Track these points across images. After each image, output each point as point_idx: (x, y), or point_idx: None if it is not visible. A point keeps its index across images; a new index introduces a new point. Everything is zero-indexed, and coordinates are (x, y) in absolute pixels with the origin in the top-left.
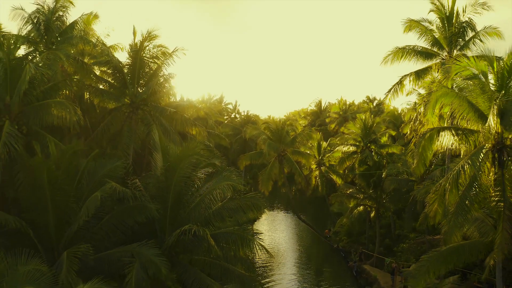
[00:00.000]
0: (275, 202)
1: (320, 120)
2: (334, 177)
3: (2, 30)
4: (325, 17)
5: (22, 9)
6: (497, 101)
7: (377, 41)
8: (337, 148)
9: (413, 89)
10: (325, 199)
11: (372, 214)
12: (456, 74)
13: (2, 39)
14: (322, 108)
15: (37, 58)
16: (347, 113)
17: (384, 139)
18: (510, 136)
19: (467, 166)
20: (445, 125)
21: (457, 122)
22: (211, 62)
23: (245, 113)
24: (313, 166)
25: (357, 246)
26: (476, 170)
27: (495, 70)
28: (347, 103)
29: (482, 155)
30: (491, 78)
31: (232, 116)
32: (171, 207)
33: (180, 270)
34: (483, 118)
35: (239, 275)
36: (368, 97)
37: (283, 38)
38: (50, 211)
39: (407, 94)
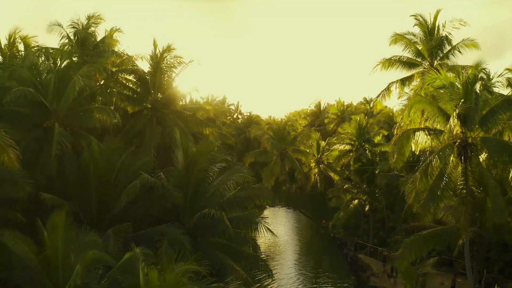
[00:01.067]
0: (276, 199)
1: (319, 120)
2: (332, 174)
3: (41, 44)
4: (325, 19)
5: (59, 25)
6: (458, 107)
7: (376, 43)
8: (334, 147)
9: (405, 92)
10: (323, 196)
11: (367, 208)
12: (428, 84)
13: (51, 52)
14: (322, 109)
15: (80, 70)
16: (344, 114)
17: (378, 138)
18: (472, 135)
19: (435, 160)
20: (423, 126)
21: (431, 123)
22: (211, 62)
23: (248, 114)
24: (312, 164)
25: (353, 238)
26: (442, 163)
27: (461, 81)
28: (345, 104)
29: (448, 151)
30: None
31: (234, 116)
32: (191, 196)
33: (199, 249)
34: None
35: (248, 255)
36: (365, 99)
37: (283, 40)
38: (94, 197)
39: (398, 97)
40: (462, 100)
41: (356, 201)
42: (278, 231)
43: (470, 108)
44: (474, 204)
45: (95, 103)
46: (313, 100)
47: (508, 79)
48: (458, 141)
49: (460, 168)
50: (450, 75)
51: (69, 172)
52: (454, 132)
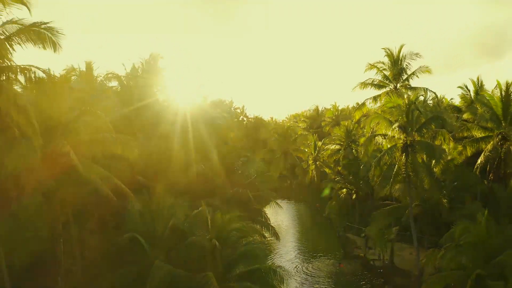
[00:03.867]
0: (278, 193)
1: (317, 123)
2: (326, 169)
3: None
4: (326, 21)
5: (129, 59)
6: (397, 122)
7: (373, 47)
8: (327, 147)
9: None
10: (320, 190)
11: (354, 197)
12: (383, 105)
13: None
14: (319, 112)
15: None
16: (339, 117)
17: (363, 139)
18: (411, 139)
19: (386, 155)
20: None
21: (385, 131)
22: (211, 62)
23: (253, 117)
24: (310, 161)
25: (343, 221)
26: (390, 158)
27: (404, 103)
28: (339, 109)
29: (395, 150)
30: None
31: (240, 119)
32: (223, 179)
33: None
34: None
35: (262, 222)
36: (357, 103)
37: (282, 41)
38: (162, 177)
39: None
40: (401, 117)
41: (345, 190)
42: (281, 218)
43: (408, 122)
44: (411, 185)
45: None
46: (312, 105)
47: (461, 95)
48: (403, 142)
49: (403, 160)
50: (410, 93)
51: (148, 163)
52: (396, 138)
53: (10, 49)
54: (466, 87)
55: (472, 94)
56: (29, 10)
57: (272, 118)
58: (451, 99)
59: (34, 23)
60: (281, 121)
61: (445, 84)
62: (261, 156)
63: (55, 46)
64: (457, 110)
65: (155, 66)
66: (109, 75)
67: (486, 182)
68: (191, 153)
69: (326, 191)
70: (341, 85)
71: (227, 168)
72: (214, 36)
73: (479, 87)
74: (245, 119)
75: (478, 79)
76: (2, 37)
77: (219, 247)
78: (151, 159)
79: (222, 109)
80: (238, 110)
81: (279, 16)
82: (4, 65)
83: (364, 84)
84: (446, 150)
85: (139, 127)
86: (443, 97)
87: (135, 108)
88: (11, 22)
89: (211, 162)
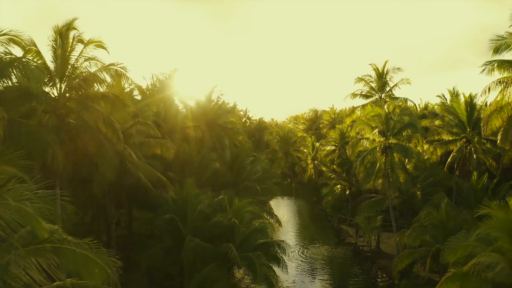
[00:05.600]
0: (279, 189)
1: (315, 125)
2: (323, 168)
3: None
4: (326, 22)
5: (153, 74)
6: (377, 128)
7: (373, 48)
8: (323, 147)
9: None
10: (318, 188)
11: (347, 192)
12: (367, 114)
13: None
14: (318, 114)
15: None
16: (335, 120)
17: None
18: (389, 142)
19: (368, 155)
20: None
21: (368, 135)
22: (211, 62)
23: (256, 120)
24: (309, 161)
25: (337, 214)
26: (372, 157)
27: (384, 112)
28: (336, 111)
29: (376, 150)
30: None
31: (243, 121)
32: (235, 175)
33: None
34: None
35: (266, 211)
36: (353, 106)
37: (282, 41)
38: (188, 173)
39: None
40: (380, 123)
41: (339, 186)
42: (282, 212)
43: (386, 128)
44: (390, 179)
45: (185, 123)
46: (311, 108)
47: (441, 104)
48: (383, 144)
49: (383, 159)
50: (396, 102)
51: (174, 161)
52: (377, 140)
53: (99, 80)
54: (444, 96)
55: (449, 102)
56: (107, 51)
57: (273, 119)
58: (435, 104)
59: (112, 63)
60: (281, 122)
61: (445, 83)
62: (264, 156)
63: (127, 80)
64: (436, 115)
65: (174, 79)
66: (133, 87)
67: (455, 178)
68: (209, 154)
69: (325, 191)
70: (341, 85)
71: (238, 166)
72: (214, 37)
73: (455, 96)
74: (248, 121)
75: (454, 89)
76: (90, 71)
77: (238, 225)
78: (178, 158)
79: (231, 114)
80: (241, 113)
81: (279, 17)
82: (91, 92)
83: (354, 95)
84: (421, 151)
85: (166, 132)
86: (428, 103)
87: (163, 116)
88: (90, 59)
89: (225, 161)
